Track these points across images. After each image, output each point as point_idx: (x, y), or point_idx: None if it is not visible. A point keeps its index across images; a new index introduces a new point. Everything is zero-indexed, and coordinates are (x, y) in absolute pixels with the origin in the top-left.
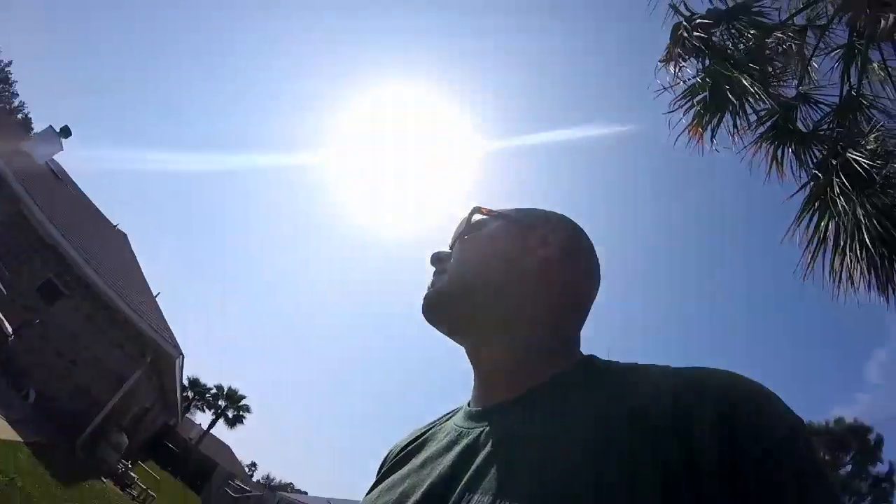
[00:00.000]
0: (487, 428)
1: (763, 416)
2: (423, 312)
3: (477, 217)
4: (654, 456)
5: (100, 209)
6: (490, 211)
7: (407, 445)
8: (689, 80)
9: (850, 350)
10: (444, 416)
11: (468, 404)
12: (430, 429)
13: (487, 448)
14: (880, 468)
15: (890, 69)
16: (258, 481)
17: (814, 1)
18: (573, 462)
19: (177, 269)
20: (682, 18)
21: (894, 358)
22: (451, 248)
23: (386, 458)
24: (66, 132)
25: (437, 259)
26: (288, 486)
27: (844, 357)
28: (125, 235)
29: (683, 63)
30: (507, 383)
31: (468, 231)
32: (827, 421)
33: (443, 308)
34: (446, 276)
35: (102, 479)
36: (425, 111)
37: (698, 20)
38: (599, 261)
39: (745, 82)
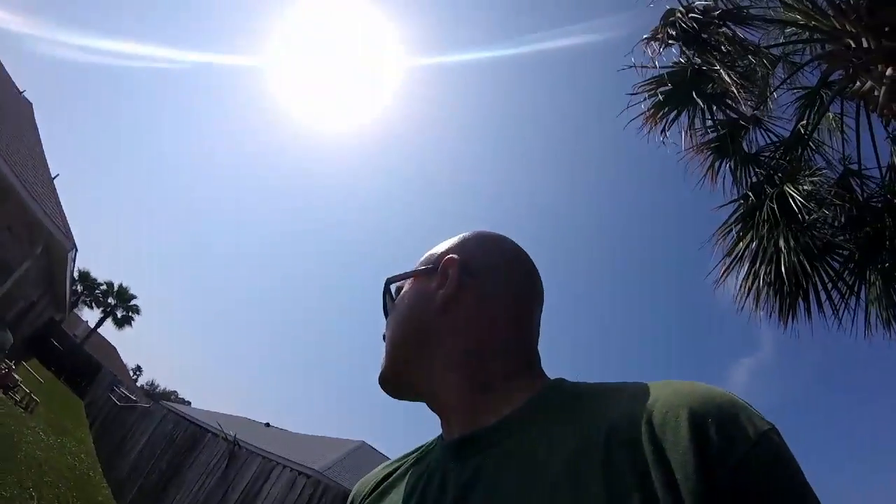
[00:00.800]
0: (462, 463)
1: (736, 423)
2: (381, 386)
3: (394, 286)
4: (634, 475)
5: (7, 70)
6: (400, 276)
7: (380, 483)
8: (662, 67)
9: (720, 351)
10: (414, 451)
11: (440, 438)
12: (401, 465)
13: (465, 483)
14: None
15: (844, 124)
16: (142, 387)
17: (794, 41)
18: (553, 491)
19: (82, 153)
20: (677, 2)
21: (759, 367)
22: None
23: (354, 498)
24: None
25: (384, 339)
26: (171, 395)
27: (714, 356)
28: (31, 105)
29: (669, 44)
30: (470, 421)
31: (390, 308)
32: None
33: (388, 386)
34: (383, 357)
35: None
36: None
37: (701, 7)
38: (530, 267)
39: (727, 80)
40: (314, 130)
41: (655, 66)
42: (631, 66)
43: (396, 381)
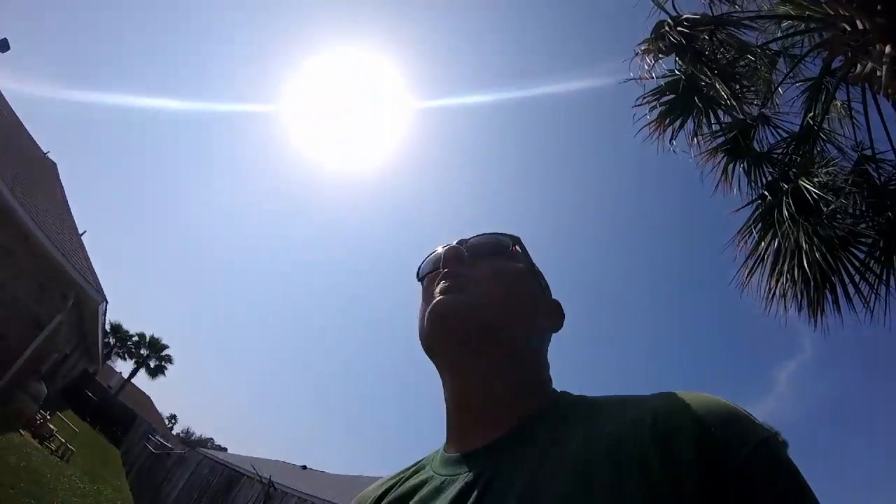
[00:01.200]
0: (472, 473)
1: (737, 430)
2: (441, 318)
3: (504, 242)
4: (641, 481)
5: (31, 133)
6: (519, 251)
7: (379, 499)
8: (660, 78)
9: (762, 356)
10: (413, 465)
11: (443, 449)
12: (399, 480)
13: (475, 495)
14: None
15: (853, 110)
16: (178, 435)
17: (792, 34)
18: (565, 498)
19: (106, 208)
20: (667, 16)
21: (802, 369)
22: (466, 254)
23: None
24: (3, 45)
25: (456, 259)
26: (207, 442)
27: (757, 362)
28: (55, 165)
29: (661, 57)
30: (491, 420)
31: (503, 253)
32: None
33: (471, 319)
34: (484, 290)
35: (20, 431)
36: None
37: (685, 19)
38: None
39: (720, 89)
40: (339, 174)
41: (653, 78)
42: (630, 80)
43: (484, 319)
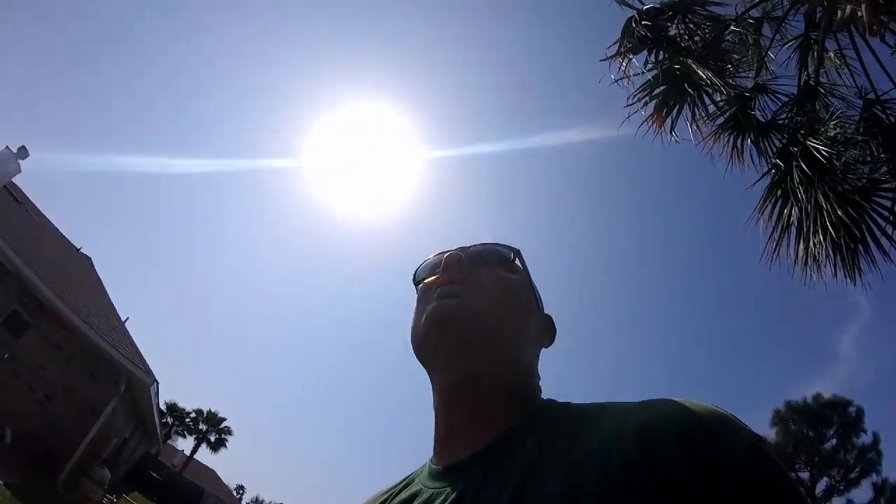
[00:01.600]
0: (461, 485)
1: (725, 435)
2: (440, 322)
3: (504, 253)
4: (629, 486)
5: (63, 232)
6: (518, 264)
7: None
8: (639, 73)
9: (821, 327)
10: (405, 479)
11: (431, 461)
12: (391, 494)
13: (463, 499)
14: (864, 438)
15: (847, 58)
16: None
17: None
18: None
19: (144, 291)
20: (633, 11)
21: (865, 330)
22: (466, 260)
23: None
24: (23, 153)
25: (457, 265)
26: None
27: (817, 333)
28: (90, 259)
29: (632, 56)
30: (480, 428)
31: (503, 264)
32: (805, 398)
33: (470, 324)
34: (483, 298)
35: None
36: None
37: (652, 10)
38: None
39: (700, 74)
40: (366, 225)
41: (641, 73)
42: (616, 81)
43: (482, 324)
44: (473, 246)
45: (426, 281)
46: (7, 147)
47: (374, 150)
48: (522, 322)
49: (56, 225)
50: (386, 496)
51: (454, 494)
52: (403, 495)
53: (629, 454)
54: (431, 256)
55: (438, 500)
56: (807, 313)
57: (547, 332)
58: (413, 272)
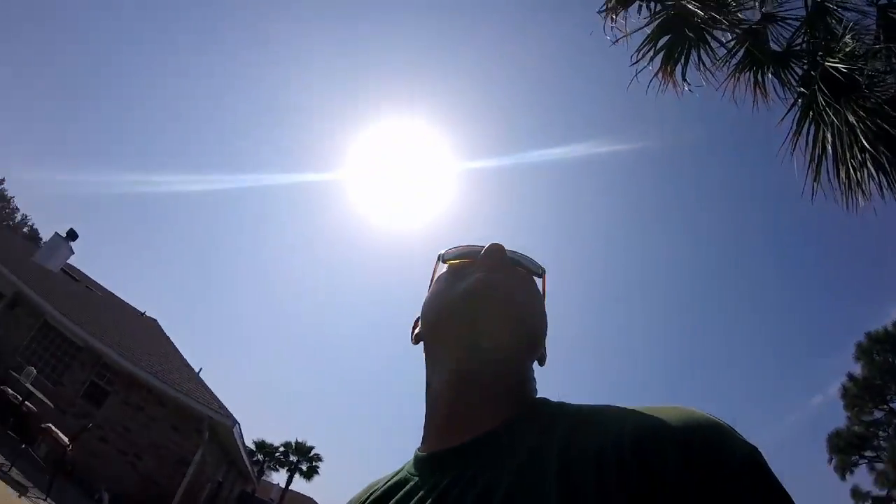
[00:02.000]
0: (450, 476)
1: (720, 445)
2: (491, 290)
3: (538, 266)
4: (622, 493)
5: (124, 300)
6: (532, 269)
7: (364, 501)
8: (634, 31)
9: (886, 251)
10: (391, 475)
11: (418, 449)
12: (382, 484)
13: (451, 499)
14: None
15: None
16: None
17: None
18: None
19: (211, 341)
20: None
21: None
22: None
23: None
24: (72, 235)
25: (502, 255)
26: None
27: (885, 259)
28: (156, 321)
29: (622, 9)
30: (475, 419)
31: (535, 274)
32: (885, 326)
33: (513, 309)
34: (524, 303)
35: None
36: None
37: None
38: None
39: (700, 13)
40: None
41: (638, 30)
42: (617, 39)
43: (526, 315)
44: (511, 250)
45: (460, 262)
46: (56, 233)
47: (400, 163)
48: (543, 336)
49: (117, 294)
50: (379, 484)
51: (443, 485)
52: (392, 482)
53: (627, 458)
54: (461, 245)
55: (423, 490)
56: (865, 242)
57: (544, 352)
58: (439, 254)
